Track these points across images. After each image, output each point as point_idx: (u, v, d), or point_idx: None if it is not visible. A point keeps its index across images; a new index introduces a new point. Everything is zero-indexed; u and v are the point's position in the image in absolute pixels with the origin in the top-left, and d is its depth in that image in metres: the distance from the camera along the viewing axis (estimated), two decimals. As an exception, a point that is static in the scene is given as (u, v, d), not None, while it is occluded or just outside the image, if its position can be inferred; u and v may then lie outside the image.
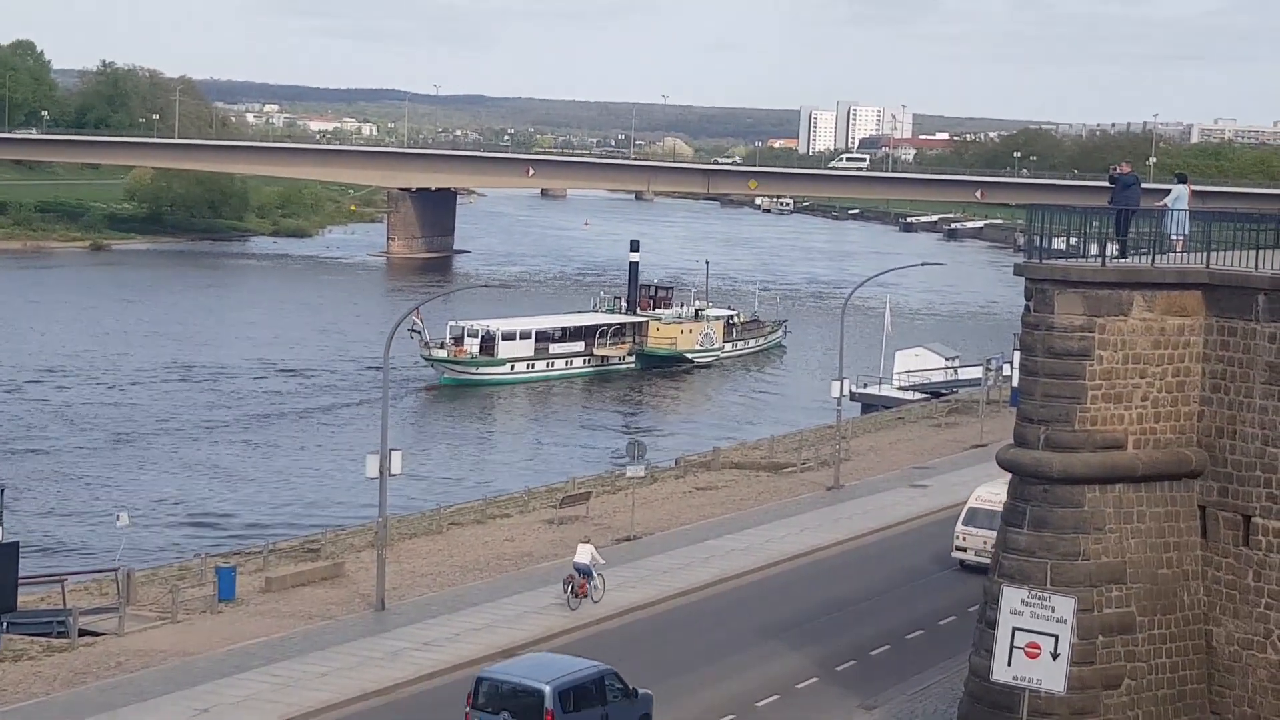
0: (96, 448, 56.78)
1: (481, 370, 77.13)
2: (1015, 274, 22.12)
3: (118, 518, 33.76)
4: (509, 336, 78.28)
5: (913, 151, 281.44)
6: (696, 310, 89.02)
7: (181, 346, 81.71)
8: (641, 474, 40.29)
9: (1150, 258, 22.16)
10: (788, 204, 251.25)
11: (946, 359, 72.01)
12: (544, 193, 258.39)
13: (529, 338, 79.43)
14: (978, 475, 43.51)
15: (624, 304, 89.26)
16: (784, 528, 39.06)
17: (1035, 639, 19.44)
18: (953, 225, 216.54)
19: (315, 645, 28.57)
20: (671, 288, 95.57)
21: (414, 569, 34.61)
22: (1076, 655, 20.09)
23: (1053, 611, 19.45)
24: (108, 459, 55.15)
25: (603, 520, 39.61)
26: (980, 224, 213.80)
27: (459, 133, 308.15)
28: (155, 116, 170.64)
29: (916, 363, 70.91)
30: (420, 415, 69.20)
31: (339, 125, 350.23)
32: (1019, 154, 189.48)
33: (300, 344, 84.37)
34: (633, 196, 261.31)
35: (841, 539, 38.45)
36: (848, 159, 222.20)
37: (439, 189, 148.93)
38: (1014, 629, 19.61)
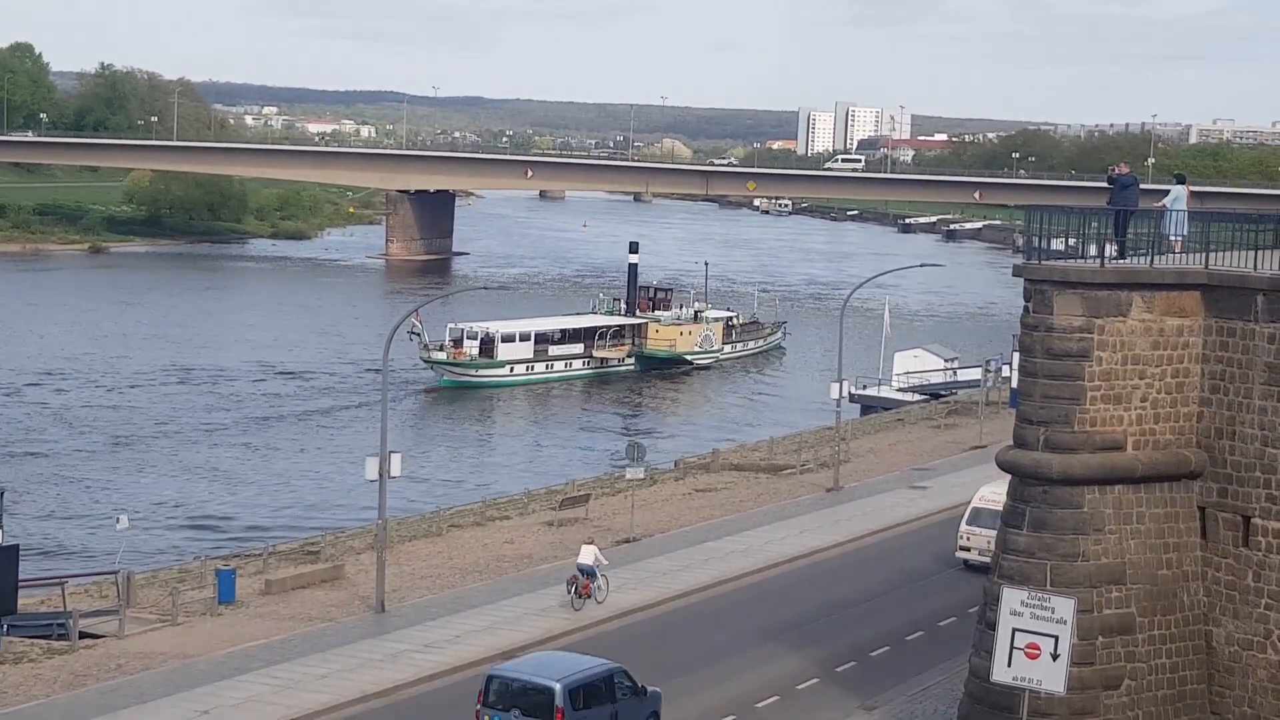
0: (96, 450, 56.77)
1: (481, 372, 77.13)
2: (1014, 275, 22.14)
3: (117, 520, 33.75)
4: (508, 338, 78.29)
5: (911, 152, 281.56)
6: (696, 312, 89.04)
7: (180, 349, 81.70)
8: (641, 476, 40.28)
9: (1149, 258, 22.18)
10: (786, 205, 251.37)
11: (945, 360, 72.02)
12: (542, 194, 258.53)
13: (528, 340, 79.44)
14: (977, 477, 43.53)
15: (623, 306, 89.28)
16: (783, 529, 39.07)
17: (1035, 640, 19.46)
18: (951, 226, 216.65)
19: (315, 647, 28.58)
20: (671, 289, 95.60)
21: (414, 571, 34.61)
22: (1076, 656, 20.10)
23: (1052, 612, 19.47)
24: (107, 462, 55.13)
25: (602, 522, 39.61)
26: (979, 225, 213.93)
27: (457, 134, 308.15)
28: (154, 119, 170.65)
29: (915, 364, 70.92)
30: (420, 417, 69.19)
31: (337, 127, 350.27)
32: (1017, 155, 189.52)
33: (299, 346, 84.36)
34: (631, 198, 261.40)
35: (841, 540, 38.45)
36: (843, 159, 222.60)
37: (437, 191, 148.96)
38: (1014, 630, 19.63)
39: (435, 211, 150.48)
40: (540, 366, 79.57)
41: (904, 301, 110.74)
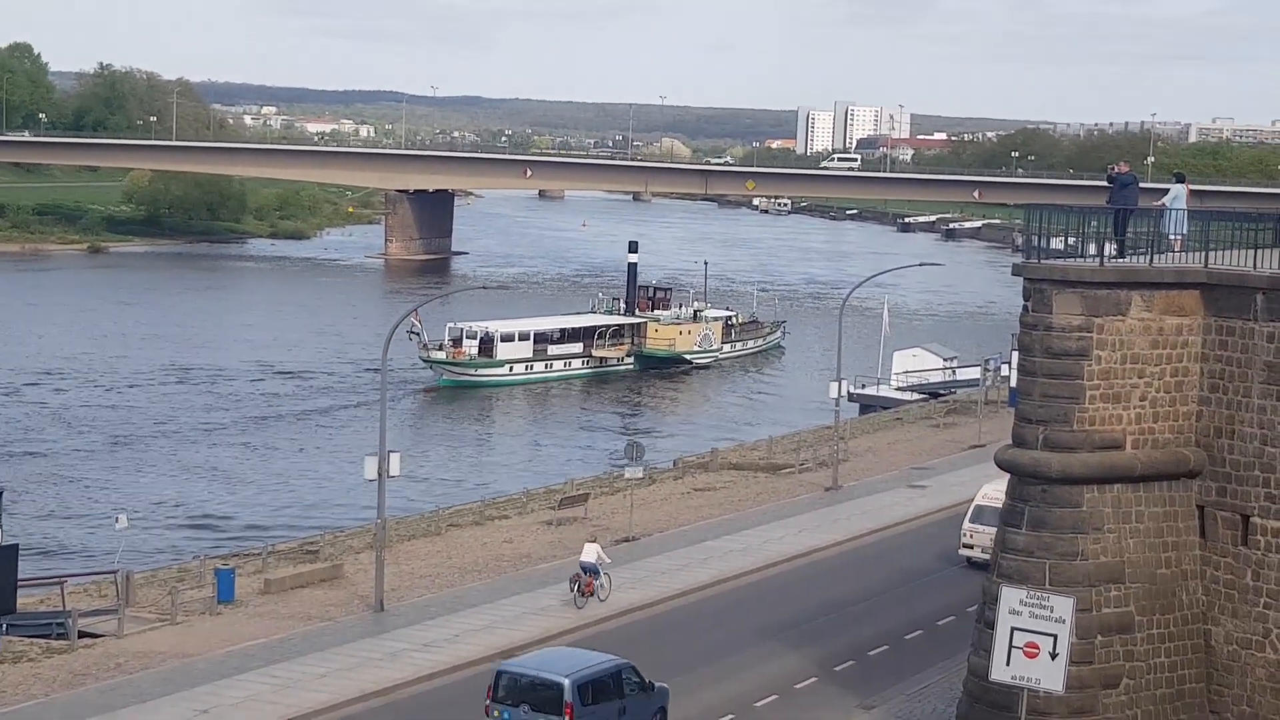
0: (95, 450, 56.77)
1: (480, 372, 77.12)
2: (1013, 274, 22.15)
3: (117, 520, 33.74)
4: (508, 338, 78.29)
5: (911, 152, 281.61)
6: (695, 311, 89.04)
7: (179, 349, 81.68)
8: (640, 475, 40.29)
9: (1148, 257, 22.19)
10: (785, 204, 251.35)
11: (945, 359, 72.04)
12: (542, 194, 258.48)
13: (527, 339, 79.44)
14: (976, 476, 43.52)
15: (622, 305, 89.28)
16: (782, 529, 39.08)
17: (1034, 639, 19.46)
18: (950, 225, 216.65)
19: (314, 646, 28.58)
20: (670, 289, 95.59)
21: (413, 570, 34.61)
22: (1075, 655, 20.11)
23: (1051, 611, 19.48)
24: (106, 461, 55.13)
25: (601, 521, 39.61)
26: (978, 224, 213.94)
27: (456, 134, 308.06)
28: (153, 119, 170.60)
29: (915, 363, 70.93)
30: (419, 417, 69.19)
31: (336, 127, 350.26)
32: (1017, 154, 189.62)
33: (298, 346, 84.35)
34: (630, 197, 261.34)
35: (840, 540, 38.46)
36: (839, 159, 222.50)
37: (436, 190, 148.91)
38: (1013, 629, 19.63)
39: (434, 211, 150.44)
40: (539, 366, 79.57)
41: (903, 301, 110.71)
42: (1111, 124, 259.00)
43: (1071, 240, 22.66)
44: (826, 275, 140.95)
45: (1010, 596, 19.82)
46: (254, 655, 27.98)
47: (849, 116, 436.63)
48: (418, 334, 74.72)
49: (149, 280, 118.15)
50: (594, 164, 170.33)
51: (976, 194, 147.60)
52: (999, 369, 58.72)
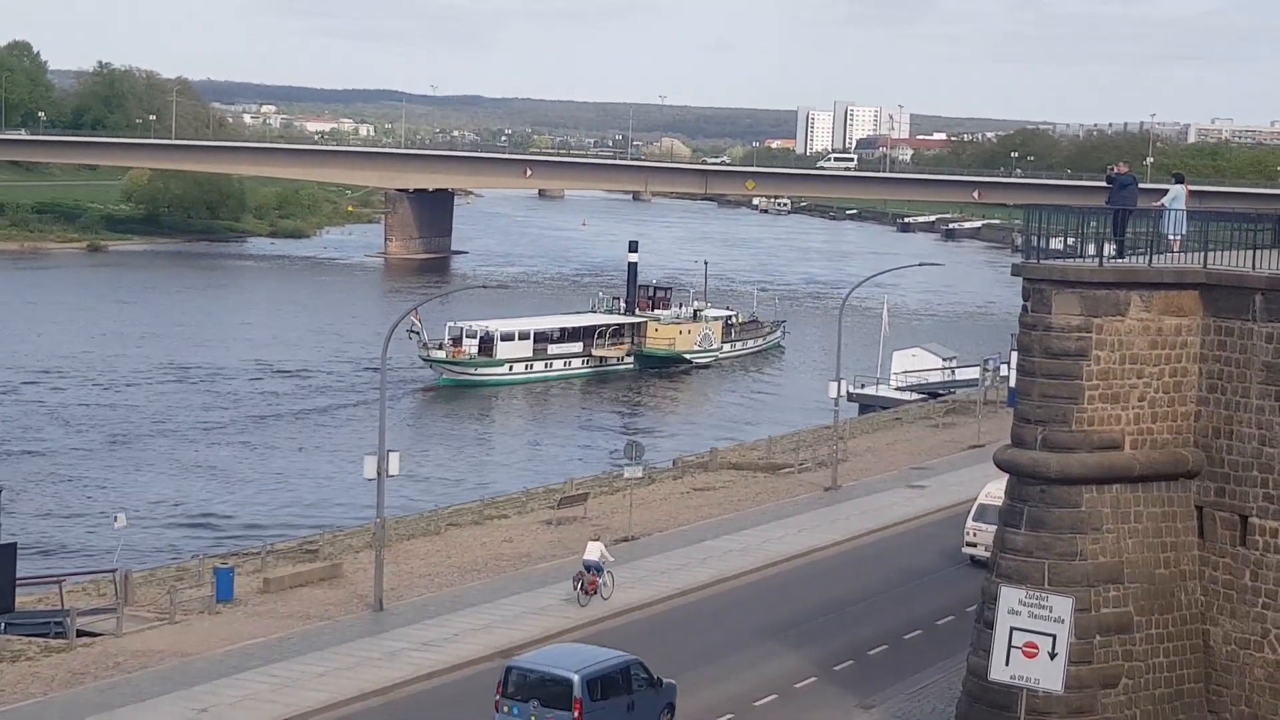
0: (94, 449, 56.76)
1: (480, 371, 77.13)
2: (1013, 274, 22.16)
3: (115, 519, 33.71)
4: (507, 337, 78.30)
5: (910, 152, 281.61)
6: (695, 311, 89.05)
7: (178, 347, 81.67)
8: (639, 475, 40.30)
9: (1147, 258, 22.21)
10: (785, 204, 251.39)
11: (944, 359, 72.05)
12: (541, 193, 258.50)
13: (527, 338, 79.45)
14: (975, 476, 43.54)
15: (622, 304, 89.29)
16: (782, 528, 39.09)
17: (1033, 639, 19.48)
18: (950, 225, 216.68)
19: (313, 646, 28.58)
20: (670, 288, 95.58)
21: (412, 570, 34.61)
22: (1074, 655, 20.12)
23: (1050, 611, 19.50)
24: (105, 460, 55.13)
25: (601, 521, 39.62)
26: (978, 224, 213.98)
27: (456, 133, 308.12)
28: (152, 117, 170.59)
29: (914, 363, 70.94)
30: (418, 416, 69.19)
31: (336, 126, 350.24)
32: (1016, 154, 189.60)
33: (298, 345, 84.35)
34: (630, 197, 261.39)
35: (839, 539, 38.47)
36: (835, 158, 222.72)
37: (436, 190, 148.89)
38: (1012, 629, 19.65)
39: (434, 210, 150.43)
40: (539, 365, 79.57)
41: (903, 300, 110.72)
42: (1111, 124, 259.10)
43: (1071, 241, 22.68)
44: (826, 275, 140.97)
45: (1009, 596, 19.83)
46: (253, 654, 27.98)
47: (848, 116, 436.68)
48: (418, 333, 74.76)
49: (148, 279, 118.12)
50: (594, 163, 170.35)
51: (976, 194, 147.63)
52: (998, 369, 58.70)
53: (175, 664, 27.48)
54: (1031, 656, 19.46)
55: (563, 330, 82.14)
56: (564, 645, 27.01)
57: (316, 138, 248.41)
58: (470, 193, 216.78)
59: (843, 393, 47.05)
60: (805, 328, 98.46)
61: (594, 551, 31.62)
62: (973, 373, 63.68)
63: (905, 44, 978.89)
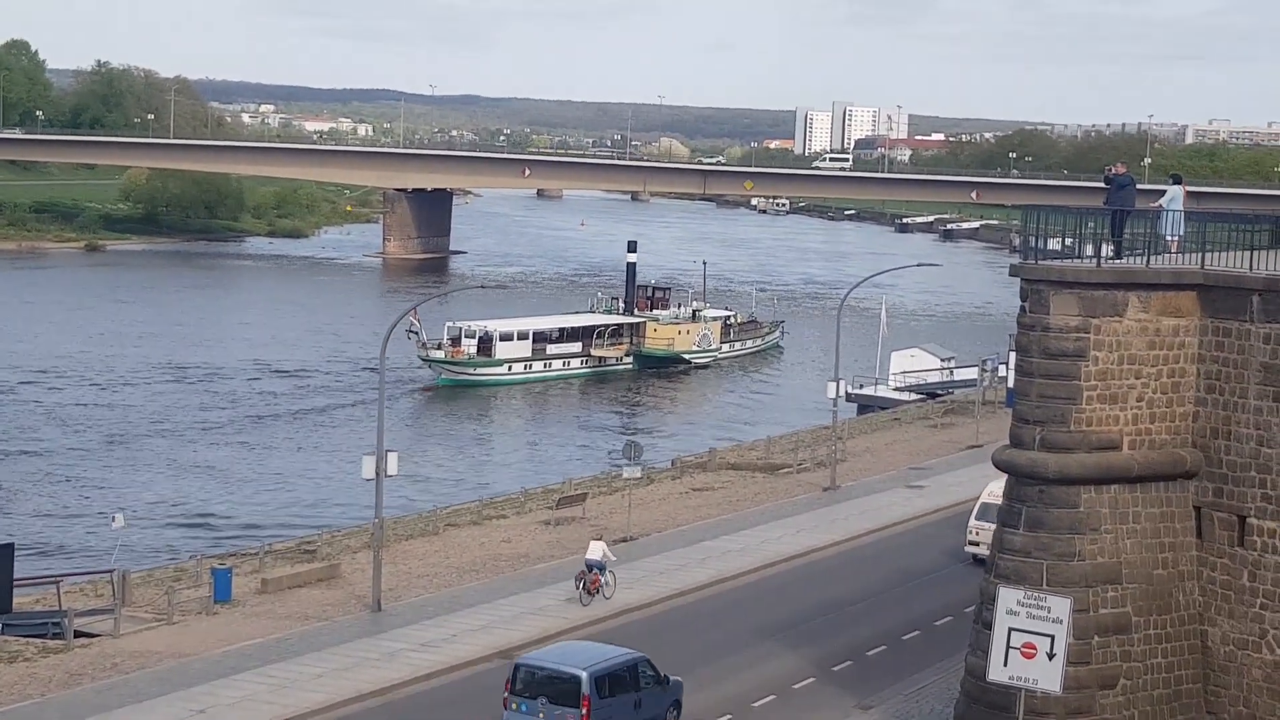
0: (91, 449, 56.73)
1: (479, 371, 77.12)
2: (1011, 275, 22.17)
3: (113, 519, 33.69)
4: (506, 337, 78.29)
5: (908, 152, 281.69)
6: (694, 311, 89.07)
7: (176, 347, 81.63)
8: (638, 475, 40.29)
9: (1145, 259, 22.21)
10: (784, 205, 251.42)
11: (942, 360, 72.07)
12: (540, 193, 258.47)
13: (526, 338, 79.45)
14: (974, 476, 43.56)
15: (621, 305, 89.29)
16: (780, 529, 39.09)
17: (1031, 639, 19.48)
18: (948, 226, 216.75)
19: (311, 646, 28.56)
20: (669, 288, 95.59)
21: (410, 570, 34.60)
22: (1072, 655, 20.12)
23: (1049, 612, 19.50)
24: (102, 460, 55.09)
25: (599, 521, 39.61)
26: (976, 225, 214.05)
27: (455, 133, 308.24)
28: (150, 116, 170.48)
29: (912, 363, 70.97)
30: (417, 416, 69.17)
31: (334, 125, 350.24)
32: (1014, 155, 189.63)
33: (296, 345, 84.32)
34: (629, 197, 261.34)
35: (838, 540, 38.47)
36: (831, 158, 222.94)
37: (435, 189, 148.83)
38: (1010, 629, 19.65)
39: (433, 210, 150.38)
40: (538, 365, 79.57)
41: (901, 301, 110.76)
42: (1109, 125, 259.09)
43: (1069, 241, 22.67)
44: (824, 275, 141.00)
45: (1008, 597, 19.83)
46: (251, 655, 27.96)
47: (847, 117, 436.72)
48: (416, 333, 74.77)
49: (146, 279, 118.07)
50: (592, 163, 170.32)
51: (974, 195, 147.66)
52: (996, 369, 58.75)
53: (173, 665, 27.46)
54: (1030, 657, 19.46)
55: (561, 330, 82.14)
56: (572, 643, 27.15)
57: (315, 137, 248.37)
58: (469, 193, 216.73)
59: (841, 393, 47.05)
60: (804, 328, 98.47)
61: (596, 551, 31.67)
62: (971, 373, 63.70)
63: (905, 44, 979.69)
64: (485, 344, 77.54)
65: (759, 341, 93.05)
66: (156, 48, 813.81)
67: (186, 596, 31.60)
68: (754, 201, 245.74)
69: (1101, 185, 24.58)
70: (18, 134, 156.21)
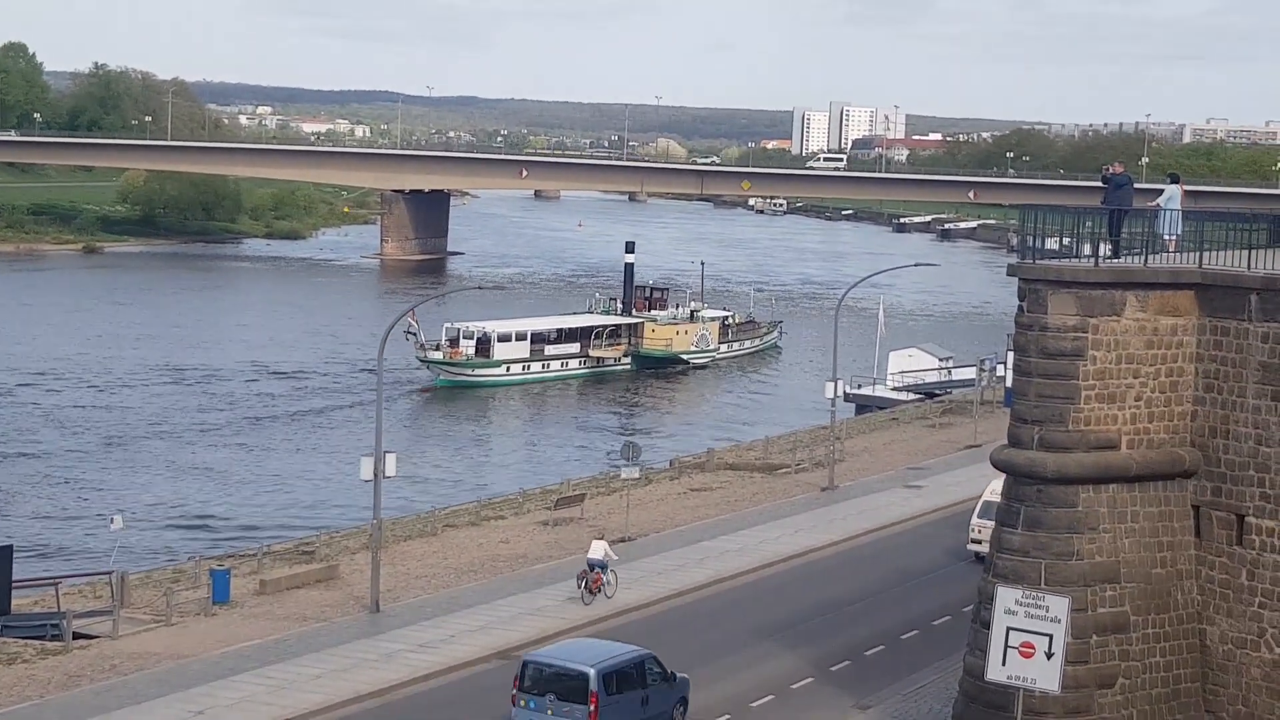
0: (89, 451, 56.70)
1: (477, 372, 77.12)
2: (1009, 274, 22.18)
3: (111, 521, 33.67)
4: (505, 338, 78.30)
5: (906, 152, 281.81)
6: (692, 311, 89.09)
7: (174, 349, 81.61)
8: (636, 475, 40.30)
9: (1143, 258, 22.23)
10: (781, 205, 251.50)
11: (940, 360, 72.10)
12: (537, 194, 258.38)
13: (525, 339, 79.46)
14: (972, 476, 43.60)
15: (619, 305, 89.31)
16: (779, 529, 39.10)
17: (1030, 639, 19.49)
18: (946, 226, 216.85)
19: (310, 647, 28.56)
20: (667, 289, 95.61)
21: (408, 571, 34.59)
22: (1071, 654, 20.13)
23: (1047, 611, 19.50)
24: (101, 462, 55.07)
25: (597, 522, 39.61)
26: (973, 224, 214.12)
27: (452, 134, 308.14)
28: (148, 118, 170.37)
29: (910, 363, 70.99)
30: (416, 417, 69.16)
31: (332, 127, 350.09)
32: (1011, 154, 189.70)
33: (294, 346, 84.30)
34: (626, 198, 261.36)
35: (836, 540, 38.48)
36: (825, 158, 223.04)
37: (432, 190, 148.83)
38: (1008, 629, 19.65)
39: (430, 211, 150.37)
40: (536, 366, 79.57)
41: (899, 301, 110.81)
42: (1106, 125, 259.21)
43: (1066, 241, 22.68)
44: (822, 275, 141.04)
45: (1006, 596, 19.84)
46: (249, 656, 27.96)
47: (844, 117, 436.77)
48: (415, 334, 74.79)
49: (144, 280, 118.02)
50: (590, 164, 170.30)
51: (972, 194, 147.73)
52: (994, 369, 58.76)
53: (171, 666, 27.45)
54: (1028, 656, 19.47)
55: (560, 331, 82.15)
56: (580, 640, 27.31)
57: (312, 139, 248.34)
58: (466, 194, 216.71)
59: (839, 393, 47.06)
60: (802, 328, 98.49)
61: (598, 550, 31.74)
62: (969, 373, 63.73)
63: (904, 44, 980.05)
64: (483, 345, 77.55)
65: (757, 342, 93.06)
66: (154, 50, 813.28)
67: (185, 598, 31.58)
68: (751, 202, 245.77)
69: (1099, 185, 24.63)
70: (15, 136, 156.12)
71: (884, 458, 50.45)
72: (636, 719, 24.30)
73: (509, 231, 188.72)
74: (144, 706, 25.30)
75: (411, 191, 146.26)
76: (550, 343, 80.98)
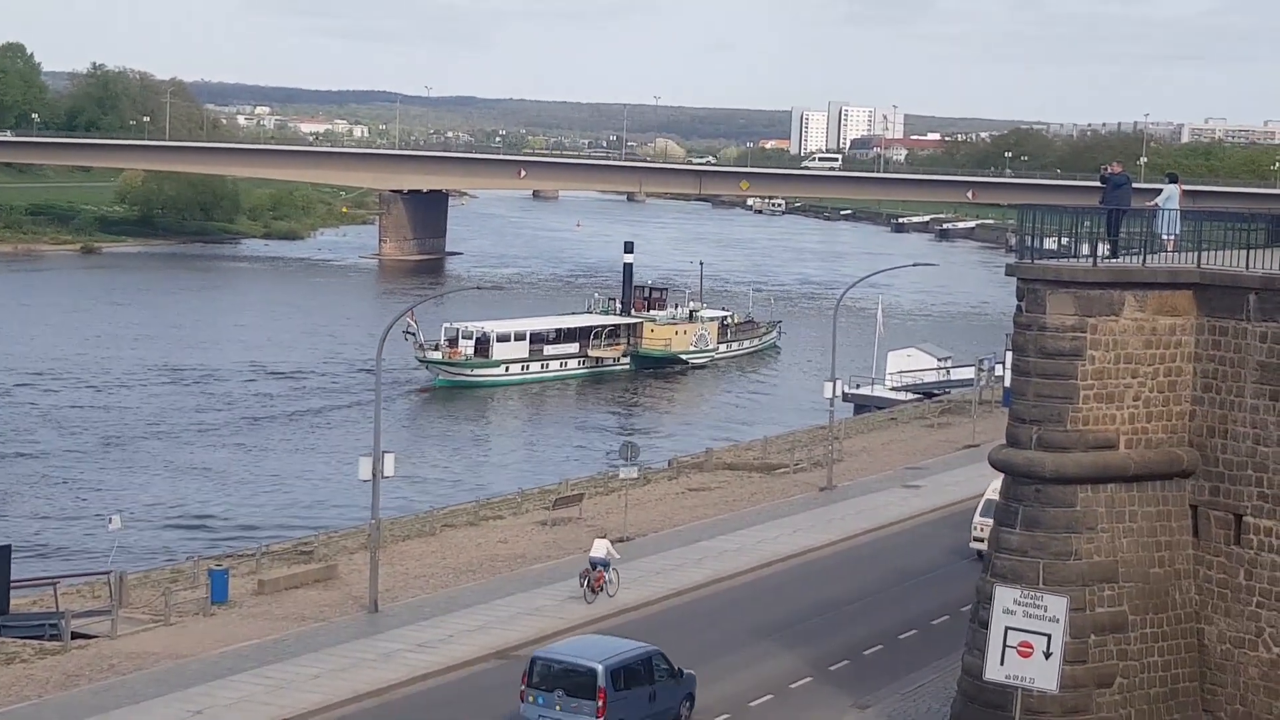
0: (88, 451, 56.69)
1: (476, 372, 77.12)
2: (1007, 274, 22.19)
3: (110, 521, 33.66)
4: (504, 338, 78.31)
5: (904, 152, 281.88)
6: (690, 311, 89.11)
7: (172, 349, 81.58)
8: (635, 475, 40.31)
9: (1141, 258, 22.24)
10: (780, 205, 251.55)
11: (939, 359, 72.14)
12: (536, 194, 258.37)
13: (523, 339, 79.47)
14: (971, 475, 43.62)
15: (618, 305, 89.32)
16: (777, 528, 39.11)
17: (1028, 638, 19.51)
18: (944, 226, 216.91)
19: (308, 647, 28.56)
20: (665, 289, 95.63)
21: (407, 571, 34.60)
22: (1069, 654, 20.15)
23: (1045, 611, 19.52)
24: (99, 462, 55.05)
25: (596, 522, 39.62)
26: (972, 224, 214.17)
27: (450, 134, 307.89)
28: (146, 119, 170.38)
29: (909, 363, 71.04)
30: (414, 417, 69.16)
31: (330, 127, 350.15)
32: (1010, 154, 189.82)
33: (292, 346, 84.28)
34: (625, 198, 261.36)
35: (834, 539, 38.49)
36: (820, 158, 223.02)
37: (431, 191, 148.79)
38: (1007, 628, 19.67)
39: (428, 211, 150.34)
40: (535, 366, 79.58)
41: (897, 301, 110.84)
42: (1105, 124, 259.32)
43: (1065, 240, 22.70)
44: (821, 275, 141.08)
45: (1004, 596, 19.86)
46: (248, 656, 27.95)
47: (843, 117, 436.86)
48: (413, 334, 74.80)
49: (142, 281, 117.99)
50: (588, 164, 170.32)
51: (970, 194, 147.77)
52: (993, 369, 58.76)
53: (170, 666, 27.45)
54: (1026, 656, 19.49)
55: (559, 331, 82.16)
56: (588, 636, 27.42)
57: (311, 139, 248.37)
58: (465, 194, 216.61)
59: (838, 393, 47.07)
60: (800, 328, 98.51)
61: (600, 548, 31.80)
62: (968, 373, 63.76)
63: (904, 44, 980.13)
64: (482, 345, 77.55)
65: (756, 342, 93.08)
66: (152, 50, 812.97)
67: (183, 598, 31.58)
68: (750, 202, 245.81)
69: (1097, 184, 24.63)
70: (13, 137, 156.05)
71: (882, 458, 50.47)
72: (644, 715, 24.45)
73: (507, 231, 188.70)
74: (142, 706, 25.29)
75: (410, 192, 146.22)
76: (549, 343, 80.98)
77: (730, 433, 63.54)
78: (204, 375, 73.59)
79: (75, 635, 29.03)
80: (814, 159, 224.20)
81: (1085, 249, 22.00)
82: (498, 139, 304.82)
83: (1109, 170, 23.79)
